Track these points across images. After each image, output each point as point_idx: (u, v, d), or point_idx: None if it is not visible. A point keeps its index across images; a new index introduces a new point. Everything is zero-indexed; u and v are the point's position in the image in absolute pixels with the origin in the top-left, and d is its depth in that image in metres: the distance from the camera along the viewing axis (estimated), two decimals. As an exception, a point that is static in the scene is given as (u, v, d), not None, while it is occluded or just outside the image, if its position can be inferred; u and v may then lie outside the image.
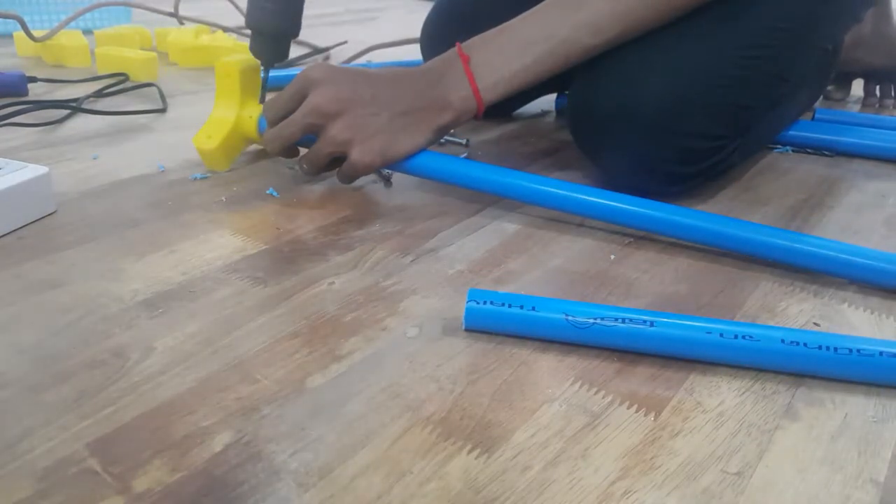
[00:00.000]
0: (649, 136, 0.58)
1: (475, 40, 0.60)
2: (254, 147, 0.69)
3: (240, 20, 1.25)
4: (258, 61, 0.63)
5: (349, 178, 0.59)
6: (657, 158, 0.59)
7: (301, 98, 0.57)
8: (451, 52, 0.59)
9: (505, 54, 0.58)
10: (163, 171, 0.64)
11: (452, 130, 0.67)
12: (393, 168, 0.59)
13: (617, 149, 0.60)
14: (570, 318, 0.40)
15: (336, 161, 0.58)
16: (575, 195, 0.55)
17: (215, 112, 0.63)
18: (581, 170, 0.68)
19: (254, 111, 0.62)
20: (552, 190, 0.55)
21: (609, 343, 0.41)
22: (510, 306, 0.41)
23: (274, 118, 0.59)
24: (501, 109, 0.86)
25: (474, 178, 0.57)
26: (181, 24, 1.24)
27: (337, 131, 0.56)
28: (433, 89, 0.58)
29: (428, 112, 0.58)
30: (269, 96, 0.62)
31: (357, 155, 0.56)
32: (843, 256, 0.49)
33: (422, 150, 0.58)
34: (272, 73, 0.64)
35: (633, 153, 0.59)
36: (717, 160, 0.61)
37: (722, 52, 0.58)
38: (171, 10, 1.23)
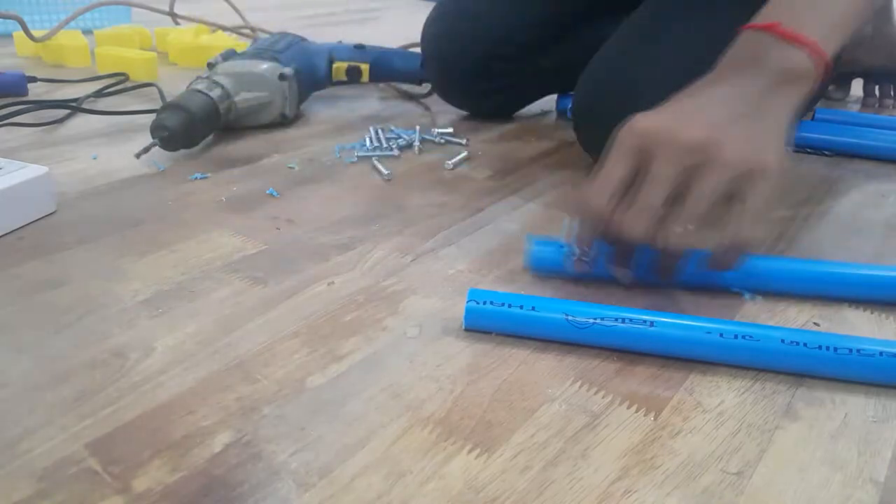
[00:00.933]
0: None
1: (770, 8, 0.48)
2: (253, 147, 0.69)
3: (239, 20, 1.25)
4: None
5: (755, 219, 0.43)
6: None
7: (637, 161, 0.44)
8: (749, 33, 0.48)
9: (819, 5, 0.47)
10: (162, 171, 0.64)
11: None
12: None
13: None
14: (570, 318, 0.40)
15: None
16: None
17: None
18: (581, 170, 0.68)
19: None
20: None
21: (609, 343, 0.41)
22: (510, 306, 0.41)
23: (610, 199, 0.44)
24: (503, 111, 0.86)
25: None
26: (176, 23, 1.24)
27: (727, 153, 0.42)
28: (757, 77, 0.47)
29: (765, 102, 0.46)
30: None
31: (763, 165, 0.43)
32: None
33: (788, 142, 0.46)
34: None
35: None
36: None
37: (724, 52, 0.58)
38: (170, 10, 1.23)
